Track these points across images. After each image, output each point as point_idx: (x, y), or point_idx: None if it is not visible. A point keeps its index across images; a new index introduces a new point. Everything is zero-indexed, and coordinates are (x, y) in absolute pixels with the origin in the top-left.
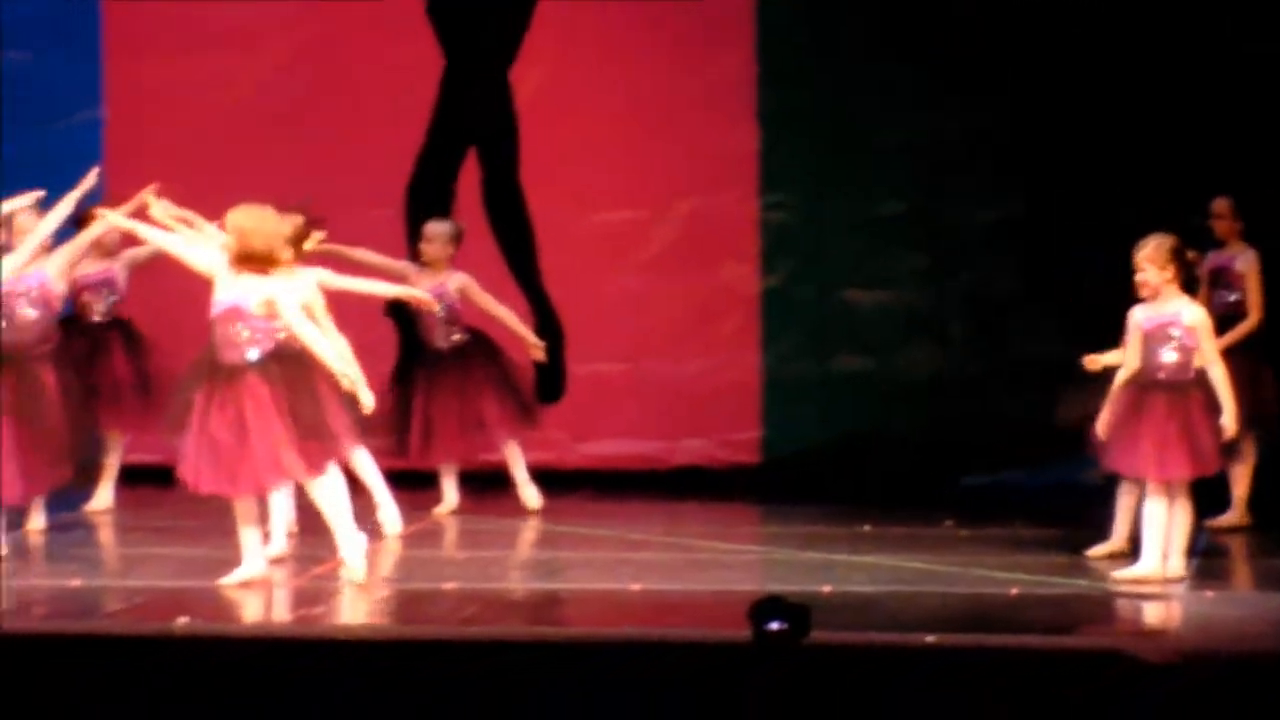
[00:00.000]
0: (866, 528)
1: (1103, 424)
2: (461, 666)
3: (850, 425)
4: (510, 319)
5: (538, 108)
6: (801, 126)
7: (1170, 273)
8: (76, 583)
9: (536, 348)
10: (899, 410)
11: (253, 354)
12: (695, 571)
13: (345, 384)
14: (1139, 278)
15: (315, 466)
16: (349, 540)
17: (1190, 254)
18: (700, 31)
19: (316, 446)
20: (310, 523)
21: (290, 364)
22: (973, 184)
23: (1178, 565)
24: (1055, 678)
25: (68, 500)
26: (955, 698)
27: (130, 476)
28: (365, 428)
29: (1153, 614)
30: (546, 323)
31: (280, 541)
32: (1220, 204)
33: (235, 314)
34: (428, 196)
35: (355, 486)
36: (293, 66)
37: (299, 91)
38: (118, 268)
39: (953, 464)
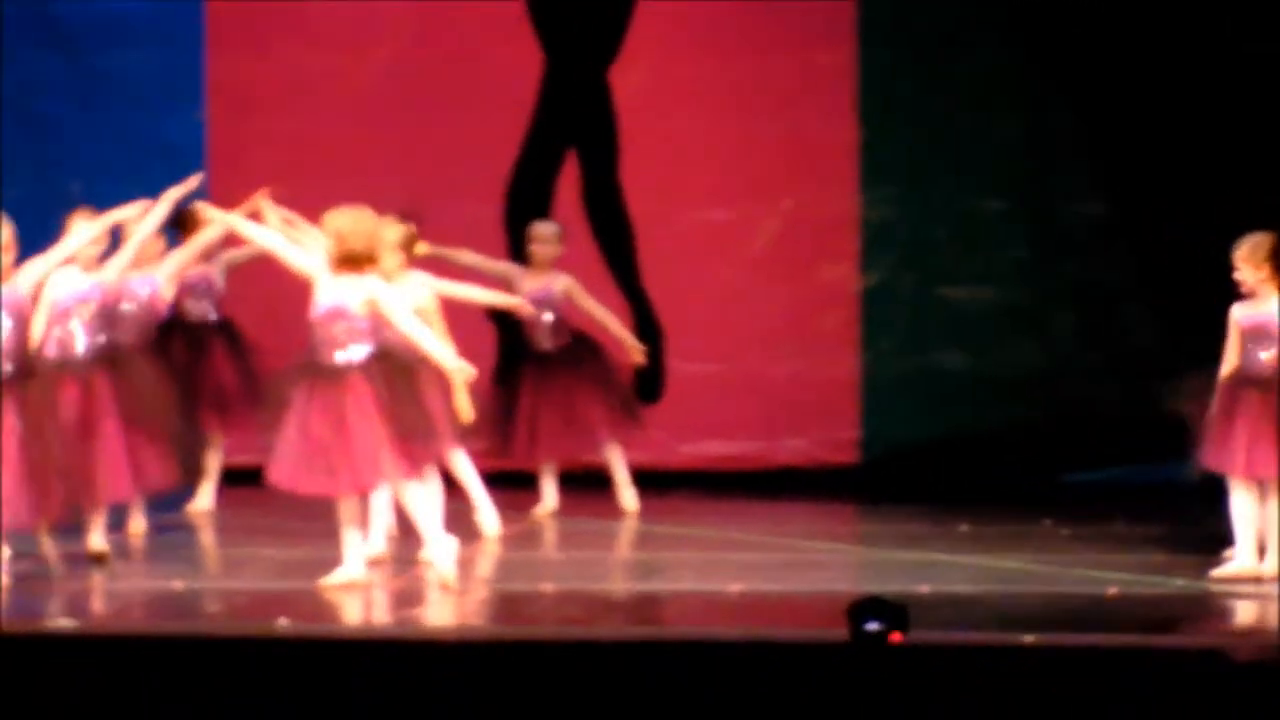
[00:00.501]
0: (965, 527)
1: (1204, 421)
2: (560, 668)
3: (950, 423)
4: (613, 323)
5: (637, 106)
6: (902, 121)
7: (1265, 272)
8: (178, 584)
9: (638, 351)
10: (999, 408)
11: (354, 354)
12: (794, 572)
13: (459, 380)
14: (1236, 276)
15: (415, 468)
16: (437, 543)
17: None
18: (800, 27)
19: (416, 448)
20: (410, 524)
21: (391, 364)
22: (1074, 178)
23: (1274, 563)
24: (1154, 677)
25: (169, 502)
26: (1054, 697)
27: (231, 478)
28: (464, 429)
29: (1250, 613)
30: (646, 323)
31: (380, 543)
32: None
33: (337, 314)
34: (527, 197)
35: (452, 488)
36: (394, 66)
37: (399, 91)
38: (215, 270)
39: (1052, 461)
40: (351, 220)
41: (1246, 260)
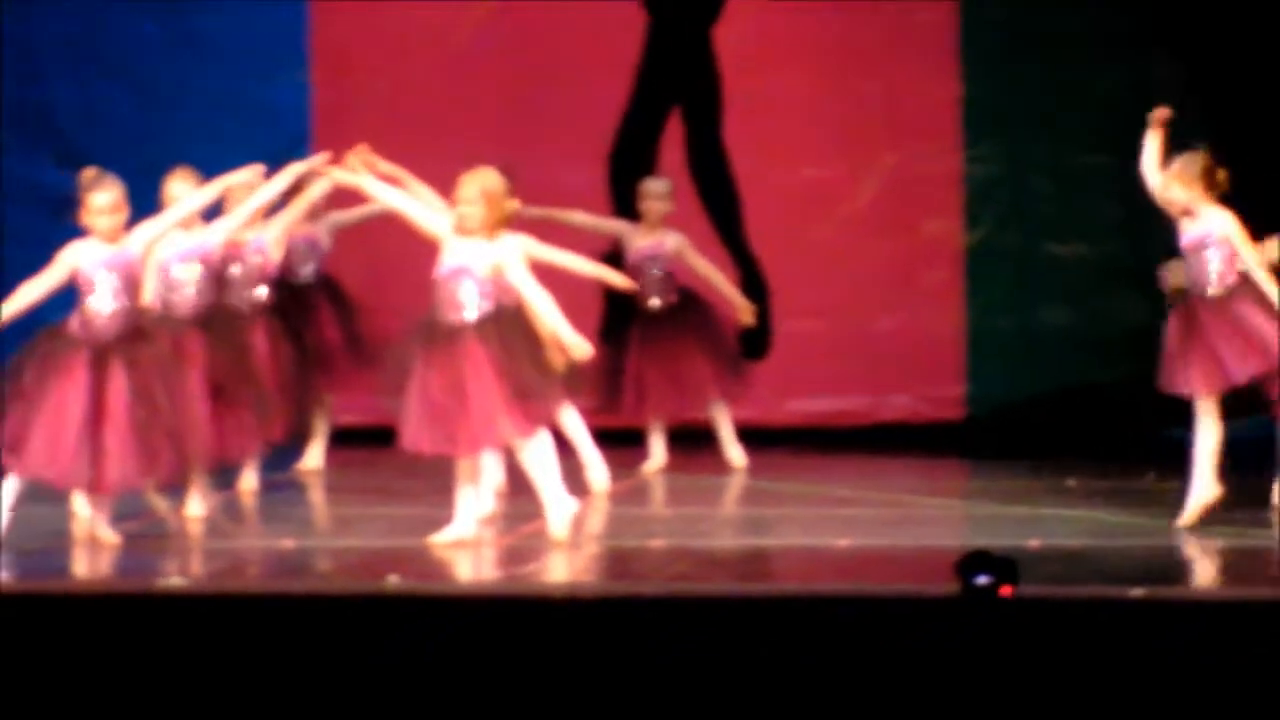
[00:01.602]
0: (1071, 481)
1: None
2: (669, 624)
3: (1053, 379)
4: (722, 281)
5: (740, 64)
6: (1005, 78)
7: (1198, 189)
8: (288, 543)
9: (747, 311)
10: (1103, 363)
11: (472, 314)
12: (901, 527)
13: (577, 353)
14: (1168, 195)
15: (530, 428)
16: (557, 502)
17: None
18: None
19: (532, 408)
20: (519, 482)
21: (507, 325)
22: (1178, 132)
23: None
24: (1261, 630)
25: (280, 460)
26: (1162, 650)
27: (340, 438)
28: (574, 386)
29: None
30: (752, 281)
31: (489, 500)
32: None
33: (461, 274)
34: (631, 158)
35: (563, 445)
36: (495, 27)
37: (501, 52)
38: (322, 230)
39: (1157, 417)
40: (496, 181)
41: (1179, 177)
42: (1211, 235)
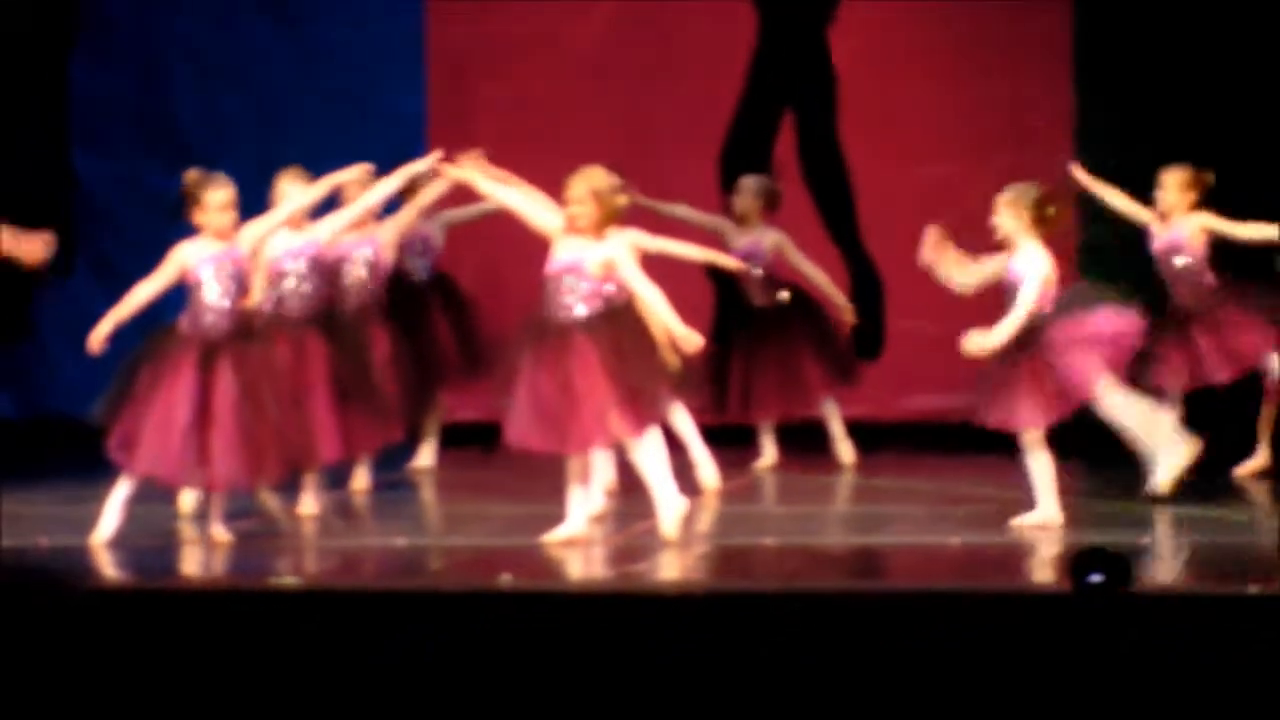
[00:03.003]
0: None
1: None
2: (782, 621)
3: None
4: (823, 280)
5: (853, 64)
6: (1119, 80)
7: (1025, 220)
8: (401, 541)
9: (848, 310)
10: None
11: (581, 312)
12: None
13: (688, 346)
14: (995, 221)
15: (640, 426)
16: (668, 501)
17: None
18: None
19: (642, 406)
20: (629, 480)
21: (617, 323)
22: None
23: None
24: None
25: (392, 459)
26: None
27: (454, 436)
28: (684, 385)
29: None
30: (866, 279)
31: (599, 499)
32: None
33: (571, 272)
34: (744, 156)
35: (673, 443)
36: (610, 28)
37: (615, 53)
38: (434, 228)
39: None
40: (605, 180)
41: (1009, 205)
42: (1014, 273)
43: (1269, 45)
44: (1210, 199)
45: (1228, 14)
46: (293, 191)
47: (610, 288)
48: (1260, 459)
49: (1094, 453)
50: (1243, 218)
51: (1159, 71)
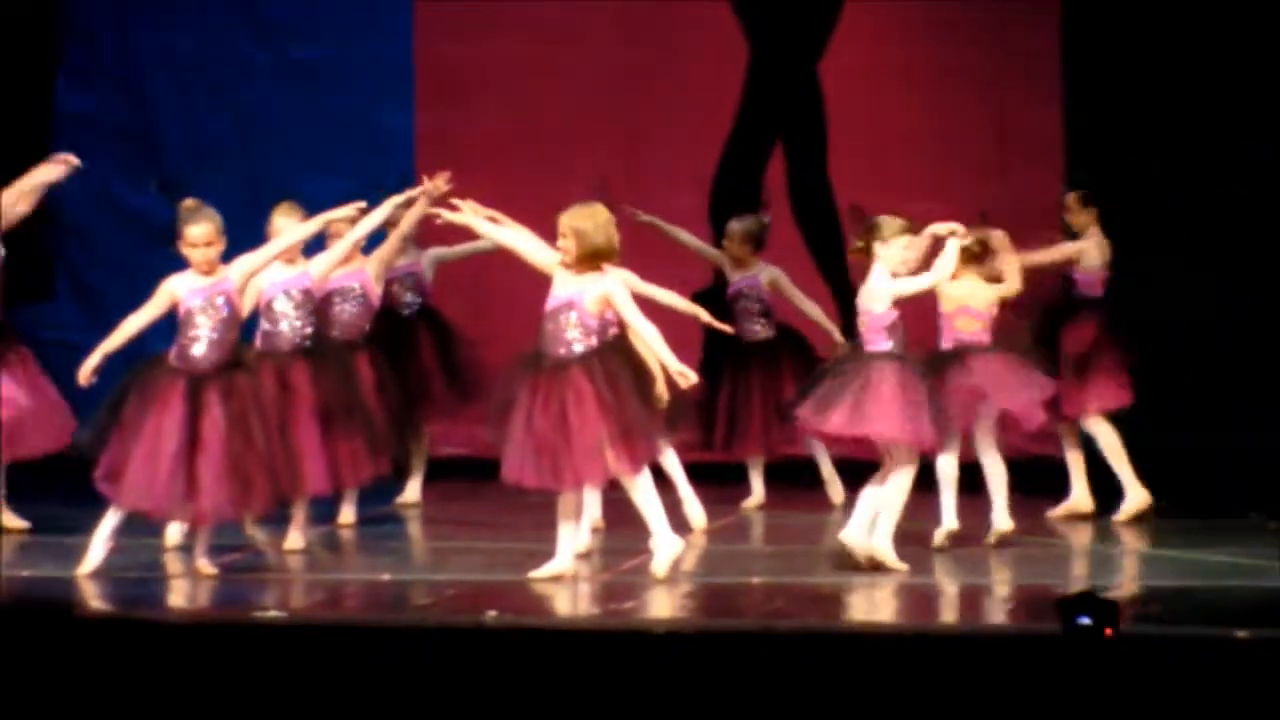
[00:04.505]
0: (1170, 520)
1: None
2: (769, 660)
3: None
4: (817, 314)
5: (842, 95)
6: (1109, 102)
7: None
8: (386, 576)
9: (842, 346)
10: (1210, 400)
11: (577, 348)
12: (1003, 565)
13: (683, 382)
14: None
15: (637, 464)
16: (664, 540)
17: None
18: (1004, 11)
19: (638, 443)
20: (615, 517)
21: (613, 361)
22: None
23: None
24: None
25: (378, 494)
26: (1267, 692)
27: (439, 470)
28: (671, 422)
29: None
30: (854, 314)
31: (585, 536)
32: (1070, 198)
33: (569, 308)
34: (734, 187)
35: (660, 481)
36: (600, 57)
37: (605, 82)
38: (425, 262)
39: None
40: (590, 217)
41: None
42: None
43: (1258, 65)
44: (1191, 221)
45: (1216, 38)
46: (286, 227)
47: (608, 322)
48: (1077, 501)
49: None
50: (1231, 235)
51: (1148, 96)
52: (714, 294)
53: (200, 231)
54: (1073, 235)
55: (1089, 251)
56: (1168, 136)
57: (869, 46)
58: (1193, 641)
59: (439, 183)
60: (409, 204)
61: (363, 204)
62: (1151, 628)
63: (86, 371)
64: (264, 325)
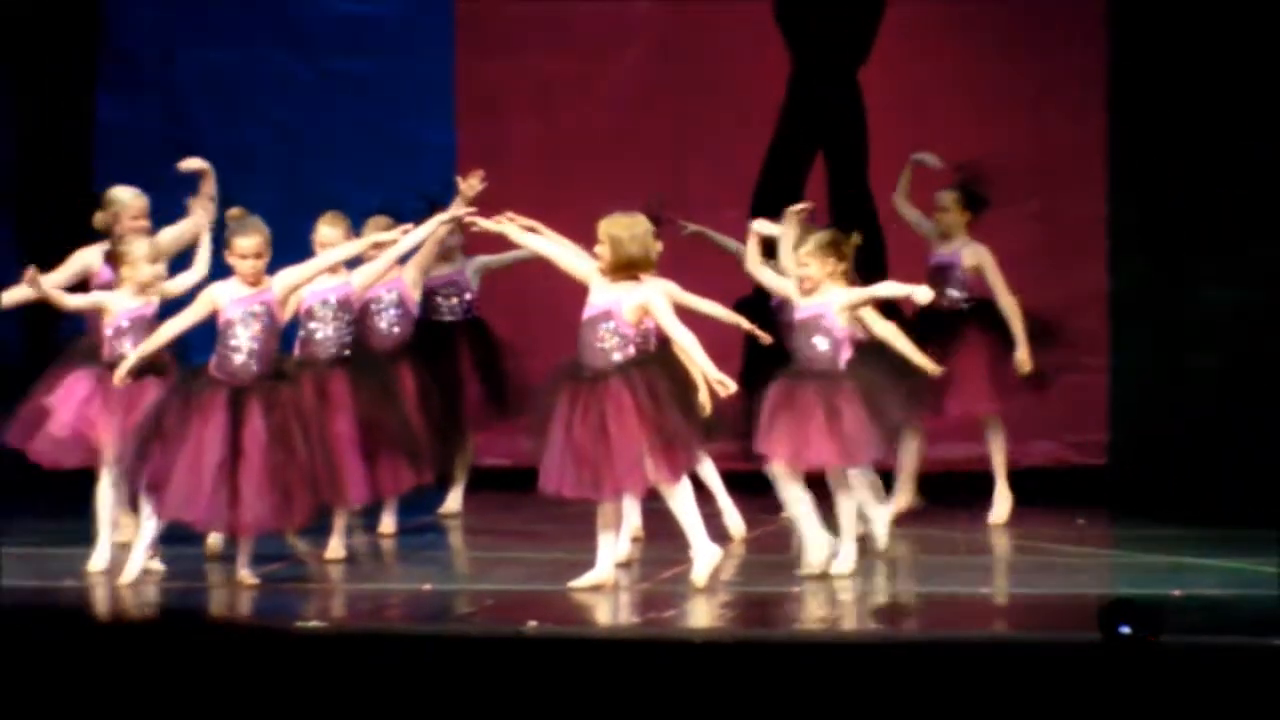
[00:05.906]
0: (1215, 530)
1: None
2: (811, 667)
3: (1200, 425)
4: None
5: (885, 107)
6: (1151, 120)
7: (830, 267)
8: (427, 586)
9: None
10: (1251, 410)
11: (616, 358)
12: (1044, 574)
13: (722, 391)
14: (800, 272)
15: (676, 473)
16: (703, 550)
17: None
18: (1050, 27)
19: (678, 453)
20: (655, 527)
21: (653, 370)
22: None
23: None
24: None
25: (421, 504)
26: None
27: (481, 479)
28: (715, 431)
29: None
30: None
31: (626, 545)
32: (946, 197)
33: (606, 317)
34: (774, 198)
35: (699, 491)
36: (641, 68)
37: (646, 93)
38: (469, 271)
39: None
40: (627, 227)
41: (813, 255)
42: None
43: None
44: (1232, 245)
45: (1263, 57)
46: (330, 237)
47: (648, 332)
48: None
49: (1126, 501)
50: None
51: (1194, 115)
52: (755, 303)
53: (249, 243)
54: (942, 234)
55: (964, 253)
56: (1213, 157)
57: (911, 59)
58: (1234, 650)
59: (473, 182)
60: (453, 220)
61: (408, 226)
62: (1194, 637)
63: (122, 374)
64: (303, 333)
